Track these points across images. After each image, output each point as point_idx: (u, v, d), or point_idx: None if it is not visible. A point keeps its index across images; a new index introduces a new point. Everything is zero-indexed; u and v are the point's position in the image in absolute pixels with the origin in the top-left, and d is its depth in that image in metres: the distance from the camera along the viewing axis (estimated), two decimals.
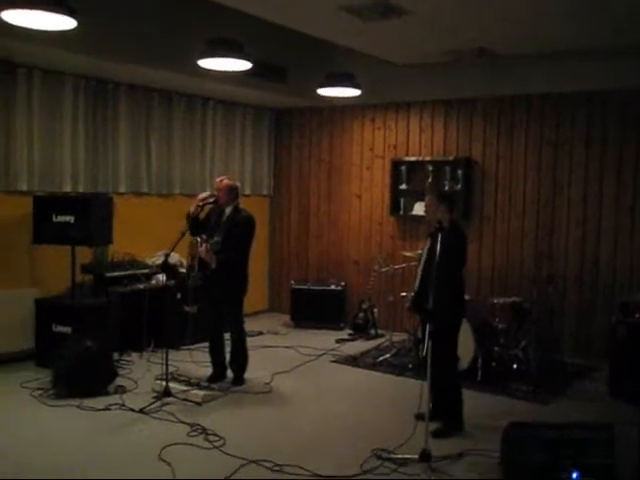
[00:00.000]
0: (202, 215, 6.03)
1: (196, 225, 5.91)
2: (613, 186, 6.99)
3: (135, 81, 7.25)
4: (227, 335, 6.12)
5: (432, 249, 4.78)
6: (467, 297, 5.72)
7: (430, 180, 7.93)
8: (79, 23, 4.60)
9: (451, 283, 4.91)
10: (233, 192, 5.94)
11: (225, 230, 5.83)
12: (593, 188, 7.10)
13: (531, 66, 7.07)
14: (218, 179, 6.09)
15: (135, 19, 6.04)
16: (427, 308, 4.49)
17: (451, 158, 7.92)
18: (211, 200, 5.93)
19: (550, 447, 3.92)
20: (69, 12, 4.41)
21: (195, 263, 6.00)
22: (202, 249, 5.78)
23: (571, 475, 3.82)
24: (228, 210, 5.92)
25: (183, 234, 5.66)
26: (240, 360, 6.10)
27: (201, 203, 5.91)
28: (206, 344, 6.27)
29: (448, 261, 4.75)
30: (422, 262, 5.15)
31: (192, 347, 7.00)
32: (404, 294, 7.37)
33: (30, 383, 5.88)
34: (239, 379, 6.07)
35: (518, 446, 4.01)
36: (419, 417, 4.86)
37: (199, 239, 5.92)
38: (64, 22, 4.55)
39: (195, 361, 6.54)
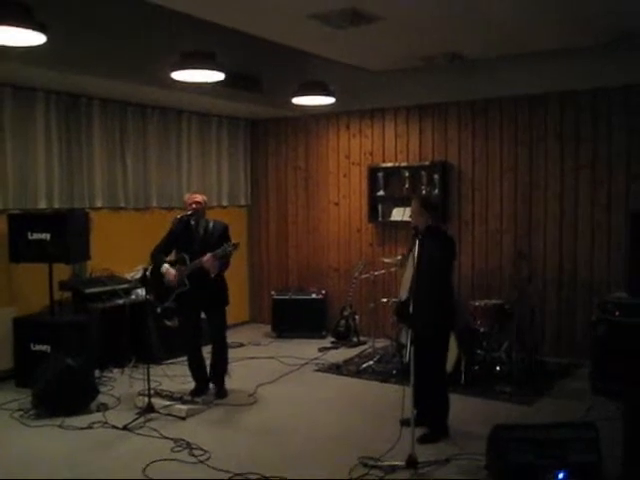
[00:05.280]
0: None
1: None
2: (588, 184, 7.05)
3: (108, 95, 7.19)
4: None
5: (418, 256, 4.73)
6: None
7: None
8: (48, 38, 4.54)
9: (440, 290, 4.92)
10: (205, 205, 6.08)
11: (205, 241, 5.85)
12: (569, 187, 7.16)
13: (502, 69, 7.12)
14: (191, 194, 6.19)
15: (105, 32, 5.98)
16: (410, 314, 4.47)
17: (427, 163, 7.95)
18: (189, 213, 5.91)
19: (535, 448, 3.93)
20: (39, 27, 4.33)
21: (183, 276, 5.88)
22: (207, 258, 5.69)
23: (557, 475, 3.84)
24: (202, 222, 5.96)
25: None
26: (221, 370, 6.09)
27: (179, 217, 5.89)
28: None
29: (434, 268, 4.75)
30: (409, 270, 5.09)
31: (174, 361, 6.95)
32: (384, 300, 7.37)
33: (10, 404, 5.79)
34: (221, 391, 6.03)
35: (504, 448, 4.01)
36: (404, 423, 4.85)
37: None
38: (33, 38, 4.48)
39: (177, 375, 6.48)
